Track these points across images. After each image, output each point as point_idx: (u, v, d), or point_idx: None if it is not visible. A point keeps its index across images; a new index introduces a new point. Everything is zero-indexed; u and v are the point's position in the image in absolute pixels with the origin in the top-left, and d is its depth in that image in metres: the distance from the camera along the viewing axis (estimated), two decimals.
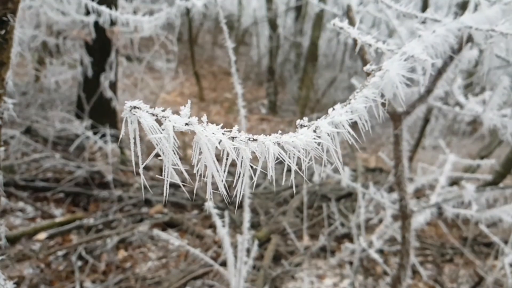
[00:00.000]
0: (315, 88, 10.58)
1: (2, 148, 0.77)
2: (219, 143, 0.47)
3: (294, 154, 0.50)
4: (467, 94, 1.98)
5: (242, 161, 0.48)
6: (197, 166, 0.48)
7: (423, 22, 1.03)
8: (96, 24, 3.32)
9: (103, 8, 2.10)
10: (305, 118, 0.56)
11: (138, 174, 4.64)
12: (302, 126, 0.54)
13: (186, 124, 0.47)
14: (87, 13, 3.24)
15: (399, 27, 1.91)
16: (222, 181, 0.48)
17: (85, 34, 4.20)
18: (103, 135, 4.23)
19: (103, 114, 5.08)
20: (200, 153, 0.47)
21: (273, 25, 10.60)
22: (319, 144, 0.52)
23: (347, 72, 12.11)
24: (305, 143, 0.50)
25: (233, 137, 0.49)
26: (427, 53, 0.71)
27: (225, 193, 0.48)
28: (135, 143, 0.47)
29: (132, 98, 6.42)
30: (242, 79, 1.67)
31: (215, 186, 0.50)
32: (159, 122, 0.47)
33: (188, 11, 2.06)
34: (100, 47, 4.79)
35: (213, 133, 0.47)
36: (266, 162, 0.50)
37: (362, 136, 0.59)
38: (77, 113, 5.23)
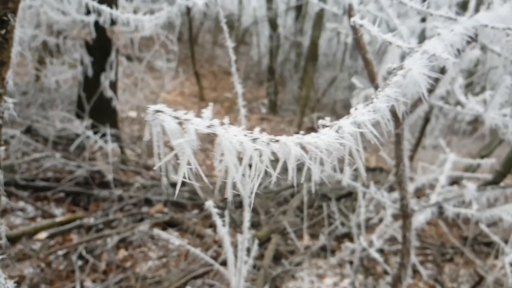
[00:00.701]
0: (316, 87, 10.56)
1: (3, 148, 0.77)
2: (240, 145, 0.47)
3: (316, 155, 0.50)
4: (467, 93, 1.98)
5: (258, 162, 0.48)
6: (219, 168, 0.48)
7: (423, 20, 1.02)
8: (96, 23, 3.31)
9: (104, 8, 2.10)
10: (320, 119, 0.55)
11: (138, 174, 4.63)
12: (324, 126, 0.54)
13: (208, 126, 0.47)
14: (88, 12, 3.23)
15: (400, 26, 1.90)
16: (249, 186, 0.48)
17: (86, 33, 4.20)
18: (104, 135, 4.23)
19: (104, 114, 5.08)
20: (222, 154, 0.47)
21: (273, 25, 10.59)
22: (341, 144, 0.51)
23: (348, 72, 12.09)
24: (327, 144, 0.50)
25: (255, 139, 0.48)
26: (447, 51, 0.70)
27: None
28: (158, 147, 0.47)
29: (132, 97, 6.42)
30: (242, 79, 1.67)
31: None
32: (180, 125, 0.47)
33: (188, 10, 2.06)
34: (100, 46, 4.78)
35: (234, 135, 0.47)
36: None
37: (384, 135, 0.59)
38: (78, 113, 5.23)
